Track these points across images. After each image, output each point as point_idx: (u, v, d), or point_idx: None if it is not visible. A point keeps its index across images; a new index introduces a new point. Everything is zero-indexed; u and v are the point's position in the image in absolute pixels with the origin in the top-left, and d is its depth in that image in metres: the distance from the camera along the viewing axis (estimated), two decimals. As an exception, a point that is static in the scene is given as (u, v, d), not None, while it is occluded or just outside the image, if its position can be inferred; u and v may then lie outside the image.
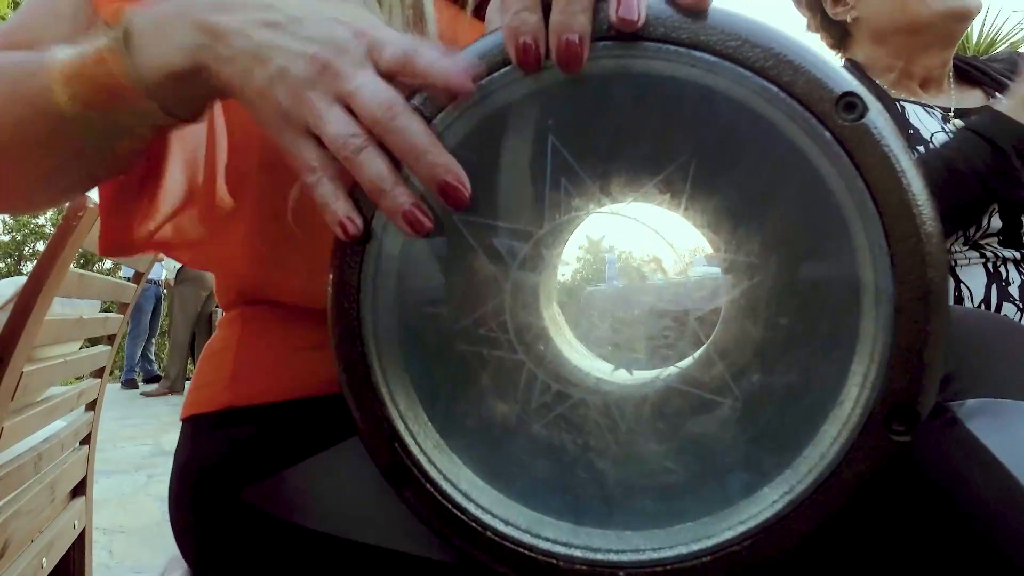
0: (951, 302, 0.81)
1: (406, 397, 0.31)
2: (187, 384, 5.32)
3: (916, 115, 0.91)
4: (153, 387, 5.19)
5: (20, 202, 0.45)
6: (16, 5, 3.42)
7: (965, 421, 0.31)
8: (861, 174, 0.24)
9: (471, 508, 0.30)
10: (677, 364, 0.28)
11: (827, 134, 0.25)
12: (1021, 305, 0.80)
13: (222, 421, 0.44)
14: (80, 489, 1.21)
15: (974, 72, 0.99)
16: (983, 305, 0.81)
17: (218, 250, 0.48)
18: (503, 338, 0.29)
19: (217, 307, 5.23)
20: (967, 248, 0.83)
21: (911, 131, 0.89)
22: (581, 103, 0.28)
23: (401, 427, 0.31)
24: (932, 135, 0.87)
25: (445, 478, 0.31)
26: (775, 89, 0.25)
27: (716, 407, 0.27)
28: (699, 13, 0.26)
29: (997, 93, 0.95)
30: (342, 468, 0.39)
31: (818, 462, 0.25)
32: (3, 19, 3.28)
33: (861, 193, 0.25)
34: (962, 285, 0.82)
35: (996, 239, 0.83)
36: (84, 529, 1.22)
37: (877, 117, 0.25)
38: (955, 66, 1.00)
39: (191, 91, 0.34)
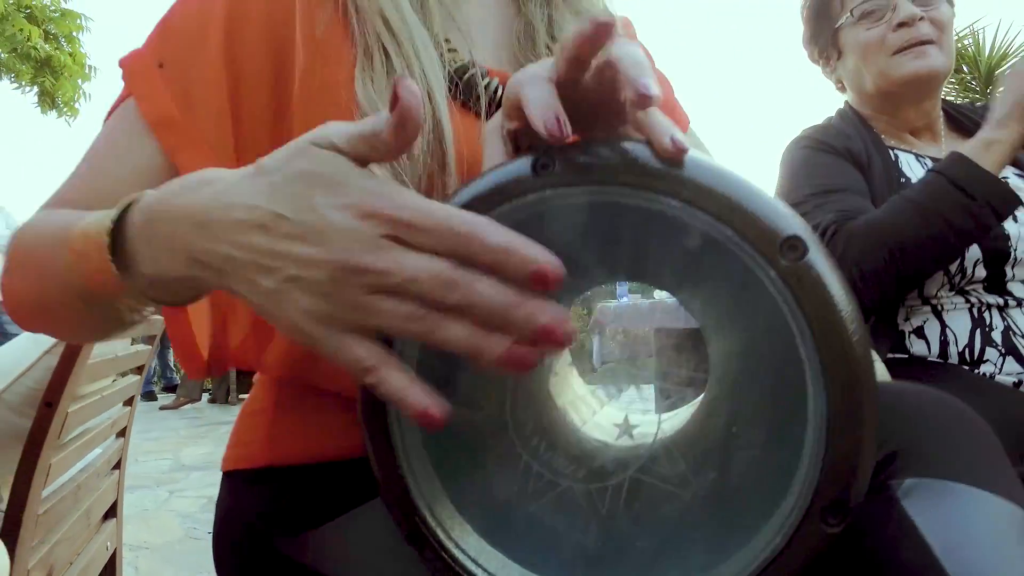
0: (937, 347, 0.85)
1: (425, 474, 0.36)
2: (204, 395, 5.42)
3: (908, 164, 0.96)
4: (171, 398, 5.29)
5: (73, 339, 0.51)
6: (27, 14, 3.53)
7: (902, 499, 0.36)
8: (800, 306, 0.29)
9: (477, 570, 0.36)
10: (648, 460, 0.33)
11: (773, 272, 0.30)
12: (1003, 350, 0.84)
13: (260, 478, 0.50)
14: (111, 512, 1.28)
15: (965, 121, 1.03)
16: (967, 349, 0.85)
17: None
18: (504, 433, 0.34)
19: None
20: (953, 294, 0.87)
21: (903, 179, 0.93)
22: (576, 226, 0.33)
23: (420, 501, 0.36)
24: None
25: (456, 545, 0.36)
26: (731, 232, 0.30)
27: (680, 497, 0.32)
28: (675, 162, 0.31)
29: None
30: (369, 526, 0.45)
31: (766, 547, 0.30)
32: (28, 38, 3.41)
33: (802, 322, 0.30)
34: (948, 330, 0.86)
35: (981, 285, 0.87)
36: (115, 550, 1.29)
37: (816, 256, 0.30)
38: (946, 113, 1.05)
39: (185, 293, 0.37)
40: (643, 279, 0.34)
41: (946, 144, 1.01)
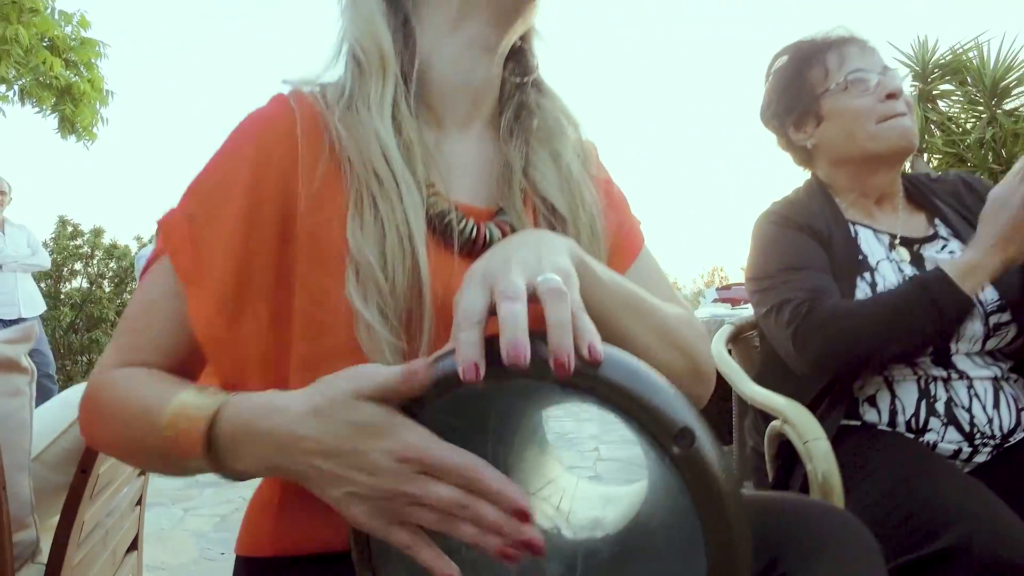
0: (887, 415, 0.93)
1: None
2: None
3: (866, 241, 1.04)
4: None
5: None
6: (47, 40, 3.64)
7: None
8: (688, 486, 0.38)
9: None
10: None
11: (667, 459, 0.38)
12: (945, 420, 0.92)
13: (267, 567, 0.59)
14: (133, 545, 1.38)
15: (919, 195, 1.10)
16: (914, 418, 0.93)
17: None
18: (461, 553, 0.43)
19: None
20: (903, 366, 0.95)
21: (860, 257, 1.01)
22: (514, 401, 0.42)
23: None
24: (877, 263, 0.99)
25: None
26: (636, 424, 0.39)
27: None
28: (593, 364, 0.39)
29: (937, 219, 1.07)
30: None
31: None
32: (50, 68, 3.53)
33: (688, 498, 0.38)
34: (897, 399, 0.94)
35: (929, 359, 0.95)
36: (136, 580, 1.39)
37: (703, 444, 0.38)
38: (904, 186, 1.12)
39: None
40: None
41: (902, 215, 1.08)
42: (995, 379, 0.94)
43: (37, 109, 3.79)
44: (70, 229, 9.26)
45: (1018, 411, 0.93)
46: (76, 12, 3.58)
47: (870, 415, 0.95)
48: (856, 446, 0.92)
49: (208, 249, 0.56)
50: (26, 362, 0.92)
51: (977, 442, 0.91)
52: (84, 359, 8.67)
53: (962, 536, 0.67)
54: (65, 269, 8.99)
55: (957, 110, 5.92)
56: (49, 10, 3.45)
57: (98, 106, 3.98)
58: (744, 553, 0.38)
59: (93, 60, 3.80)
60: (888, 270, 0.98)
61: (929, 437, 0.92)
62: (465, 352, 0.40)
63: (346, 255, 0.55)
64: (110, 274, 9.51)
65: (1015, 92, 5.58)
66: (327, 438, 0.43)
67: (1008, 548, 0.66)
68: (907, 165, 4.25)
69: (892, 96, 1.01)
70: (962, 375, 0.93)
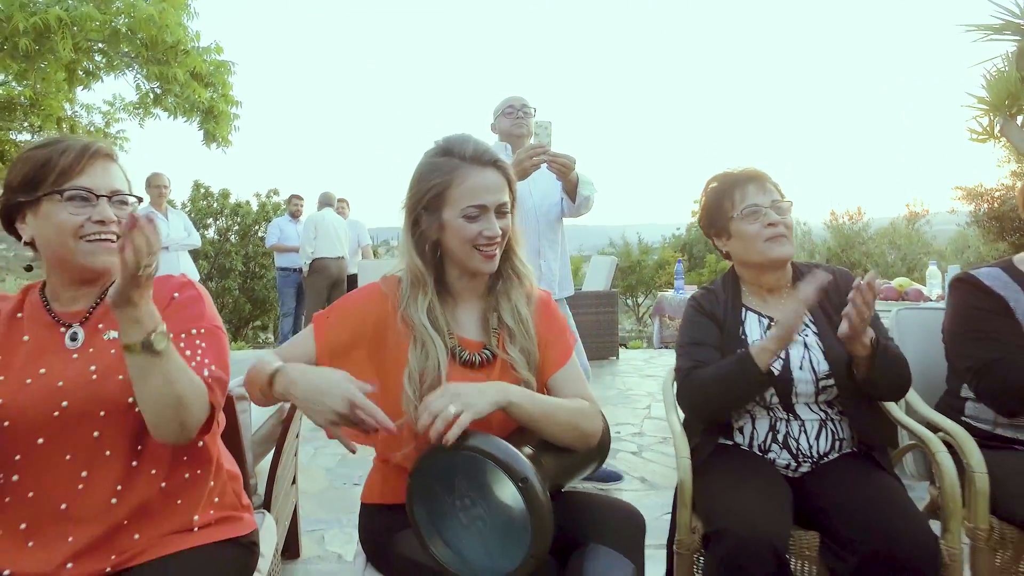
0: (748, 440, 1.48)
1: (424, 524, 1.11)
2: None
3: (751, 323, 1.56)
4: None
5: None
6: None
7: (586, 555, 1.06)
8: (525, 500, 0.98)
9: (446, 561, 1.10)
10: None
11: (518, 486, 0.99)
12: (781, 445, 1.45)
13: (377, 508, 1.26)
14: (294, 480, 2.16)
15: (804, 275, 1.59)
16: (762, 443, 1.47)
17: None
18: (452, 508, 1.08)
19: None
20: (761, 408, 1.49)
21: (742, 335, 1.53)
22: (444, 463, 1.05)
23: (422, 529, 1.10)
24: (753, 341, 1.52)
25: (433, 545, 1.10)
26: (501, 471, 1.00)
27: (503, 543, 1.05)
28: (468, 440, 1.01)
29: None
30: (411, 537, 1.18)
31: (519, 567, 1.01)
32: (199, 97, 4.36)
33: (526, 509, 0.99)
34: (755, 430, 1.49)
35: (778, 406, 1.48)
36: (296, 504, 2.18)
37: (533, 483, 0.98)
38: (793, 275, 1.61)
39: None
40: (473, 486, 1.05)
41: (786, 295, 1.57)
42: (821, 420, 1.46)
43: (185, 120, 4.67)
44: (202, 191, 10.61)
45: (834, 440, 1.46)
46: (212, 42, 4.36)
47: (738, 438, 1.51)
48: (731, 459, 1.48)
49: (328, 326, 1.21)
50: (243, 392, 1.64)
51: (800, 460, 1.45)
52: (218, 304, 10.09)
53: (726, 519, 1.24)
54: (199, 226, 10.39)
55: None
56: (192, 45, 4.24)
57: (231, 111, 4.81)
58: (549, 529, 0.99)
59: (227, 78, 4.61)
60: (760, 349, 1.51)
61: (771, 455, 1.47)
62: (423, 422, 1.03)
63: (405, 370, 1.19)
64: (236, 227, 10.83)
65: None
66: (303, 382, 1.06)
67: (758, 531, 1.22)
68: (997, 128, 4.55)
69: (772, 225, 1.50)
70: (798, 417, 1.46)
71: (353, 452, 1.09)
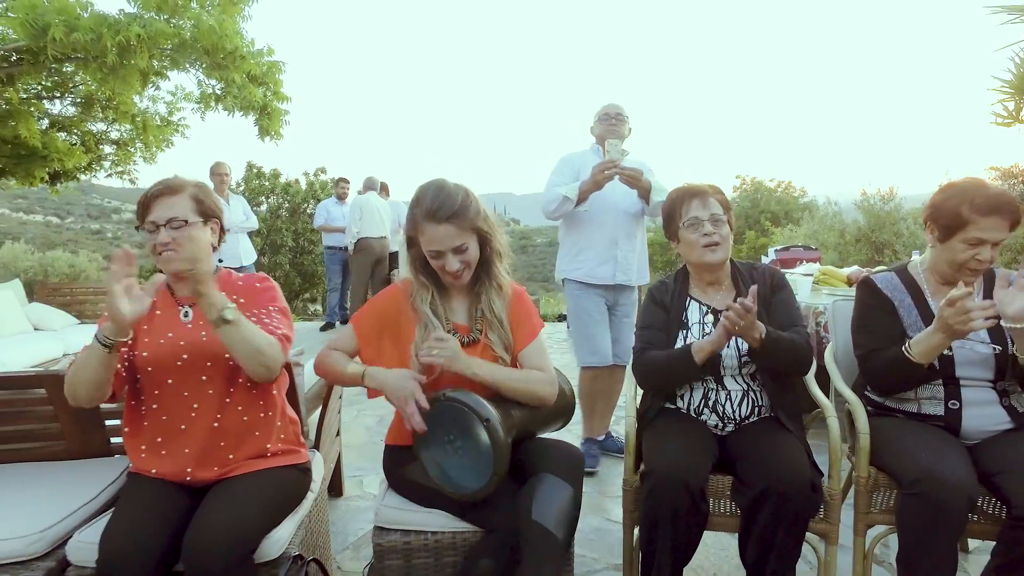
0: (686, 404, 1.88)
1: (427, 456, 1.55)
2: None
3: (692, 309, 1.93)
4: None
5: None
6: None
7: (536, 481, 1.48)
8: (489, 435, 1.41)
9: (439, 480, 1.54)
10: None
11: (482, 429, 1.42)
12: (711, 409, 1.84)
13: (395, 448, 1.72)
14: (338, 432, 2.65)
15: (739, 277, 1.95)
16: (695, 408, 1.86)
17: None
18: (446, 446, 1.51)
19: (393, 271, 6.84)
20: (699, 381, 1.87)
21: (685, 320, 1.92)
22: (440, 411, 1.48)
23: (424, 459, 1.55)
24: (692, 325, 1.90)
25: (430, 471, 1.55)
26: (473, 415, 1.42)
27: (479, 466, 1.48)
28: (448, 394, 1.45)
29: (739, 297, 1.92)
30: (418, 465, 1.62)
31: (483, 485, 1.44)
32: (254, 97, 4.85)
33: (488, 440, 1.41)
34: (692, 396, 1.87)
35: (712, 378, 1.86)
36: (340, 451, 2.68)
37: (495, 424, 1.40)
38: (732, 272, 1.97)
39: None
40: (456, 428, 1.49)
41: (723, 293, 1.94)
42: (744, 390, 1.84)
43: (243, 115, 5.18)
44: (255, 171, 11.30)
45: (754, 406, 1.83)
46: (264, 45, 4.83)
47: (679, 403, 1.90)
48: (673, 419, 1.88)
49: (361, 324, 1.67)
50: (294, 359, 2.11)
51: (726, 421, 1.84)
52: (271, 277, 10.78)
53: (654, 463, 1.65)
54: (253, 205, 11.08)
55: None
56: (248, 50, 4.72)
57: (281, 107, 5.30)
58: (506, 457, 1.42)
59: (277, 76, 5.09)
60: (696, 330, 1.89)
61: (703, 417, 1.86)
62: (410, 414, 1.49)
63: (412, 348, 1.63)
64: (286, 205, 11.52)
65: None
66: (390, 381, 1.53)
67: (678, 472, 1.62)
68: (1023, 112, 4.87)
69: (708, 235, 1.87)
70: (725, 387, 1.85)
71: (420, 431, 1.51)
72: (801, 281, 3.55)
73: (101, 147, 7.15)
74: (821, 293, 3.49)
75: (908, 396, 1.83)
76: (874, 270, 3.71)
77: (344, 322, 7.36)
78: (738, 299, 1.70)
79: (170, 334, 1.56)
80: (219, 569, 1.33)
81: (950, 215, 1.75)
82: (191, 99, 6.13)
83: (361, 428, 3.74)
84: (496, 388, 1.56)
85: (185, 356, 1.54)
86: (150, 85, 5.41)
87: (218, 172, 5.60)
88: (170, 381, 1.54)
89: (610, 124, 2.93)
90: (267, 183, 11.34)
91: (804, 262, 4.77)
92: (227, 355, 1.52)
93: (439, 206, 1.57)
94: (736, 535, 1.72)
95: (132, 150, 7.19)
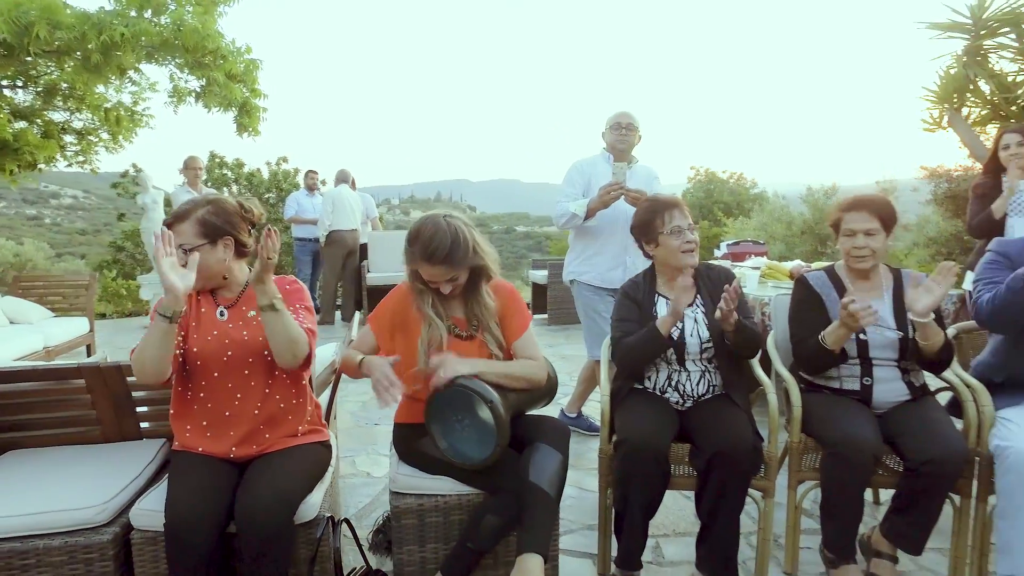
0: (653, 384, 2.22)
1: (437, 430, 1.84)
2: (337, 316, 7.29)
3: (660, 304, 2.26)
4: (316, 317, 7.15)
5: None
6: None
7: (531, 451, 1.79)
8: (491, 412, 1.69)
9: (449, 453, 1.84)
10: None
11: (487, 409, 1.71)
12: (673, 388, 2.18)
13: (404, 426, 2.00)
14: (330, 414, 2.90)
15: (699, 278, 2.29)
16: (660, 387, 2.20)
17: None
18: (454, 426, 1.80)
19: (363, 262, 7.03)
20: (662, 363, 2.20)
21: (655, 314, 2.25)
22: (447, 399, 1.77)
23: (434, 433, 1.84)
24: (661, 317, 2.23)
25: (440, 444, 1.84)
26: (478, 397, 1.72)
27: (482, 439, 1.77)
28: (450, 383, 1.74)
29: (698, 294, 2.26)
30: (430, 440, 1.91)
31: (480, 455, 1.74)
32: (234, 95, 4.98)
33: (490, 416, 1.70)
34: (657, 377, 2.21)
35: (675, 360, 2.19)
36: (336, 434, 2.93)
37: (497, 405, 1.70)
38: (694, 275, 2.31)
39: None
40: (464, 408, 1.78)
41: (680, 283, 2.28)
42: (702, 371, 2.18)
43: (222, 111, 5.31)
44: (218, 161, 11.23)
45: (709, 385, 2.18)
46: (243, 44, 4.96)
47: (647, 384, 2.23)
48: (640, 397, 2.21)
49: (376, 323, 1.94)
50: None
51: (686, 399, 2.18)
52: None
53: (625, 433, 1.98)
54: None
55: (1008, 63, 6.29)
56: (229, 49, 4.85)
57: (258, 104, 5.44)
58: (506, 435, 1.72)
59: (255, 74, 5.22)
60: (664, 322, 2.22)
61: (667, 396, 2.19)
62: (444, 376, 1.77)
63: (419, 346, 1.91)
64: (248, 195, 11.50)
65: None
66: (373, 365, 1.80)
67: (645, 441, 1.95)
68: (945, 120, 5.65)
69: (688, 242, 2.19)
70: (686, 369, 2.18)
71: (383, 406, 1.77)
72: (749, 274, 3.94)
73: (63, 136, 7.10)
74: (767, 286, 3.88)
75: (832, 375, 2.20)
76: (812, 266, 4.15)
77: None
78: (726, 286, 2.02)
79: (215, 332, 1.80)
80: (269, 528, 1.59)
81: (832, 218, 2.26)
82: (155, 89, 6.18)
83: (346, 413, 3.99)
84: (499, 381, 1.85)
85: (230, 352, 1.78)
86: (125, 80, 5.46)
87: (192, 167, 5.69)
88: (216, 374, 1.78)
89: (620, 134, 3.17)
90: (230, 173, 11.29)
91: (752, 256, 5.20)
92: (266, 351, 1.77)
93: (433, 251, 1.82)
94: (693, 493, 2.07)
95: (95, 140, 7.17)
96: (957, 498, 2.05)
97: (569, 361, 5.22)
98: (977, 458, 2.03)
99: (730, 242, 5.54)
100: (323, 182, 7.44)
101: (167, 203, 7.07)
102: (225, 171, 11.29)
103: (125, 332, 6.85)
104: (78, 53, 4.10)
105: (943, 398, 2.25)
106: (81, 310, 5.26)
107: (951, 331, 2.43)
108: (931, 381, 2.25)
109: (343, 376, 2.49)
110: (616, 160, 3.10)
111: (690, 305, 2.24)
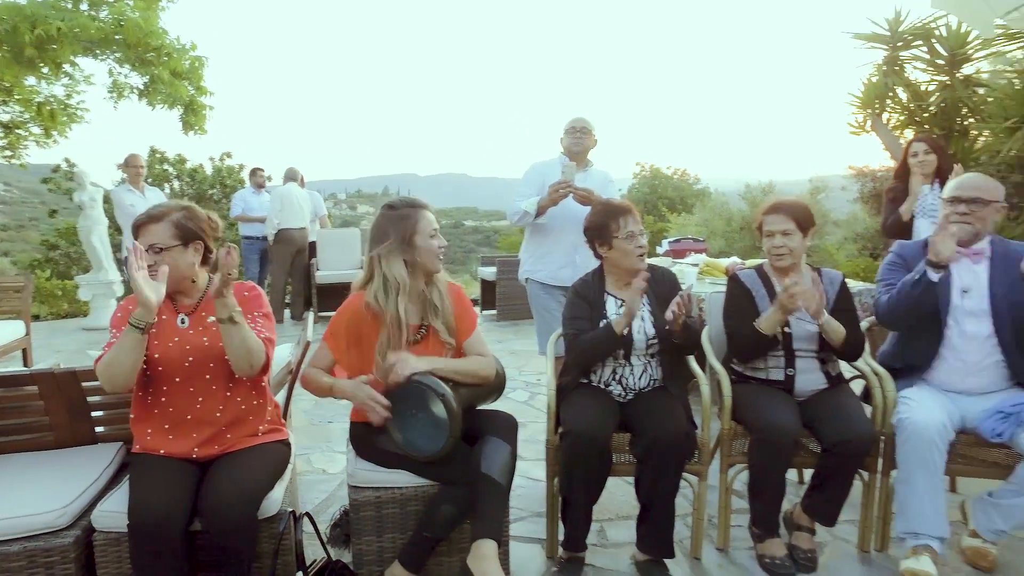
0: (599, 378, 2.37)
1: (395, 426, 1.94)
2: (286, 314, 7.24)
3: (610, 303, 2.41)
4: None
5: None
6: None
7: (483, 443, 1.91)
8: (444, 408, 1.82)
9: (405, 446, 1.94)
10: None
11: (439, 401, 1.82)
12: (616, 382, 2.34)
13: (358, 424, 2.09)
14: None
15: (653, 276, 2.45)
16: (604, 381, 2.35)
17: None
18: (411, 420, 1.90)
19: (312, 260, 6.99)
20: (611, 358, 2.36)
21: (604, 312, 2.39)
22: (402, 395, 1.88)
23: (392, 430, 1.94)
24: (611, 315, 2.37)
25: (396, 438, 1.94)
26: (430, 391, 1.83)
27: (434, 432, 1.88)
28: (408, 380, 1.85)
29: (646, 294, 2.42)
30: (388, 435, 2.00)
31: (433, 449, 1.86)
32: (180, 93, 4.89)
33: (443, 410, 1.82)
34: (602, 373, 2.36)
35: (621, 355, 2.35)
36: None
37: (449, 399, 1.82)
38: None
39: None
40: (419, 403, 1.89)
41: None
42: (644, 366, 2.35)
43: (163, 107, 5.21)
44: (158, 156, 10.87)
45: (649, 379, 2.34)
46: (188, 42, 4.89)
47: (592, 378, 2.38)
48: (586, 389, 2.35)
49: (333, 340, 2.02)
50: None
51: (628, 391, 2.34)
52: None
53: (570, 425, 2.12)
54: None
55: (921, 73, 6.76)
56: (174, 46, 4.77)
57: (204, 102, 5.36)
58: (458, 427, 1.84)
59: (200, 71, 5.15)
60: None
61: (610, 388, 2.35)
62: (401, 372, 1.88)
63: (377, 341, 2.00)
64: (191, 192, 11.17)
65: (974, 57, 6.42)
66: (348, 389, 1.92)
67: (588, 432, 2.10)
68: (868, 124, 6.08)
69: (640, 247, 2.34)
70: (630, 364, 2.34)
71: (377, 423, 1.90)
72: (688, 271, 4.17)
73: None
74: (705, 282, 4.12)
75: (759, 366, 2.40)
76: (746, 263, 4.42)
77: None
78: (680, 292, 2.19)
79: (177, 338, 1.84)
80: (234, 524, 1.67)
81: (756, 220, 2.46)
82: (91, 83, 5.99)
83: (299, 412, 4.02)
84: (453, 377, 1.96)
85: (191, 358, 1.83)
86: (60, 74, 5.28)
87: (133, 165, 5.56)
88: (178, 379, 1.83)
89: (575, 137, 3.32)
90: (171, 169, 10.96)
91: (692, 253, 5.46)
92: (227, 356, 1.83)
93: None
94: (632, 479, 2.23)
95: (23, 133, 6.88)
96: (866, 474, 2.29)
97: (518, 356, 5.36)
98: (883, 437, 2.26)
99: (672, 239, 5.79)
100: (269, 178, 7.32)
101: (106, 200, 6.87)
102: (167, 167, 10.94)
103: (62, 334, 6.62)
104: (6, 46, 3.96)
105: (859, 385, 2.48)
106: (16, 313, 5.08)
107: (865, 324, 2.68)
108: (850, 371, 2.48)
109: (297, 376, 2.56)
110: (571, 159, 3.24)
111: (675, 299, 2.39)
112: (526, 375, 4.76)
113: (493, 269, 7.11)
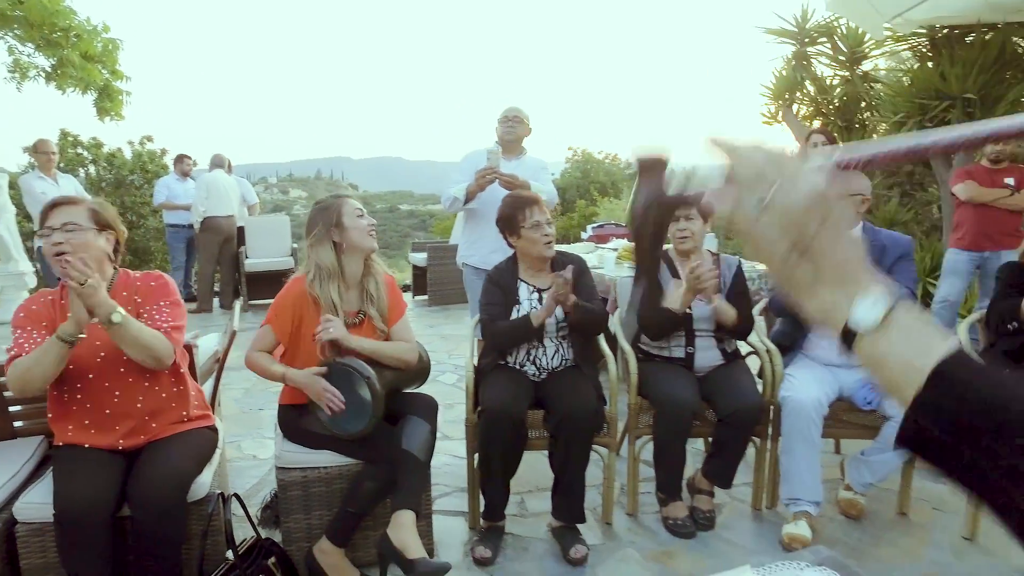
0: (514, 359, 2.53)
1: (322, 412, 2.04)
2: (215, 302, 7.08)
3: (522, 289, 2.56)
4: (193, 305, 6.86)
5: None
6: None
7: (404, 421, 2.04)
8: (368, 389, 1.94)
9: (331, 427, 2.04)
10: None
11: (365, 384, 1.94)
12: (530, 362, 2.50)
13: (285, 407, 2.18)
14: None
15: (557, 264, 2.62)
16: (523, 361, 2.52)
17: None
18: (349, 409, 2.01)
19: (241, 248, 6.86)
20: (527, 343, 2.52)
21: (517, 298, 2.54)
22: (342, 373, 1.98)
23: (318, 411, 2.04)
24: (523, 301, 2.53)
25: (324, 421, 2.04)
26: (356, 374, 1.95)
27: (361, 414, 2.00)
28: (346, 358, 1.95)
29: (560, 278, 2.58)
30: (314, 417, 2.10)
31: (366, 425, 1.97)
32: (93, 77, 4.71)
33: (368, 392, 1.94)
34: (520, 355, 2.52)
35: (536, 339, 2.52)
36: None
37: (373, 380, 1.93)
38: (551, 260, 2.63)
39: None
40: (344, 384, 2.00)
41: (544, 275, 2.60)
42: (556, 347, 2.52)
43: (77, 92, 5.01)
44: (71, 140, 10.25)
45: (562, 359, 2.52)
46: (100, 23, 4.72)
47: (509, 359, 2.54)
48: (499, 371, 2.50)
49: (278, 323, 2.10)
50: (192, 340, 2.44)
51: (541, 371, 2.51)
52: (94, 254, 9.99)
53: (487, 403, 2.27)
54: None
55: (825, 68, 7.21)
56: (84, 27, 4.59)
57: (121, 86, 5.18)
58: (381, 408, 1.96)
59: (114, 53, 4.98)
60: (526, 306, 2.52)
61: (525, 368, 2.51)
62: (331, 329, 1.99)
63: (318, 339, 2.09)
64: (110, 177, 10.61)
65: (871, 55, 6.89)
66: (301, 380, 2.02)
67: (504, 409, 2.26)
68: (780, 114, 6.46)
69: (547, 235, 2.49)
70: (543, 345, 2.51)
71: (329, 414, 2.00)
72: (608, 256, 4.39)
73: None
74: (623, 267, 4.34)
75: (663, 345, 2.62)
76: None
77: (189, 300, 7.23)
78: (559, 273, 2.34)
79: (84, 335, 1.86)
80: (162, 508, 1.73)
81: None
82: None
83: (230, 400, 4.02)
84: (374, 356, 2.07)
85: (103, 354, 1.85)
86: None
87: (44, 151, 5.31)
88: (91, 376, 1.85)
89: (508, 126, 3.44)
90: (86, 153, 10.38)
91: (614, 238, 5.70)
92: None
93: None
94: (547, 452, 2.41)
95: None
96: (758, 441, 2.55)
97: (448, 340, 5.49)
98: (772, 407, 2.53)
99: (595, 225, 6.02)
100: (195, 163, 7.10)
101: (12, 186, 6.51)
102: (80, 151, 10.35)
103: (-31, 328, 6.28)
104: None
105: (756, 362, 2.74)
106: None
107: (760, 306, 2.94)
108: (747, 348, 2.74)
109: (226, 365, 2.60)
110: (505, 152, 3.36)
111: (547, 289, 2.56)
112: (456, 359, 4.90)
113: (424, 255, 7.17)
